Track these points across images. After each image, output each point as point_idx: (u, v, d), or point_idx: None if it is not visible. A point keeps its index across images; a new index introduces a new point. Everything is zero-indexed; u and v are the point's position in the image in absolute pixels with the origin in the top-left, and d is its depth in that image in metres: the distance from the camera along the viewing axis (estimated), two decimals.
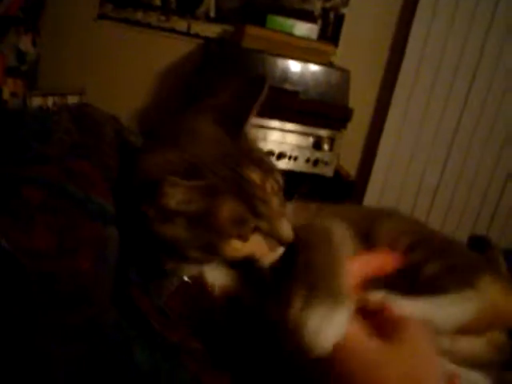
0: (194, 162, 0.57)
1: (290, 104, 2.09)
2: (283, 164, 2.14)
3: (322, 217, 0.74)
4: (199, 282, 0.62)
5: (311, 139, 2.16)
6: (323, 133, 2.16)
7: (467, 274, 0.71)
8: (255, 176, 0.60)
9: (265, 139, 2.09)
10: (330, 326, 0.51)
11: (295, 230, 0.63)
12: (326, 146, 2.17)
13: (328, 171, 2.21)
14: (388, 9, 2.61)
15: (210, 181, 0.57)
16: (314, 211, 0.77)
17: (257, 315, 0.60)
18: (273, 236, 0.61)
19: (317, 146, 2.16)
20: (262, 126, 2.08)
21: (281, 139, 2.13)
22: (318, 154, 2.18)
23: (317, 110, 2.12)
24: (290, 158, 2.15)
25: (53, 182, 0.54)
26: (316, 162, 2.18)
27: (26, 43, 1.70)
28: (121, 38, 2.40)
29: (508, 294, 0.71)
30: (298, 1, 2.49)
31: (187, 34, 2.46)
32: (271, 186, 0.61)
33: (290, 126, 2.13)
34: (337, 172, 2.26)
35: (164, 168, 0.56)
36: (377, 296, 0.59)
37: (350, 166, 2.63)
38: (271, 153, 2.10)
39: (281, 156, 2.13)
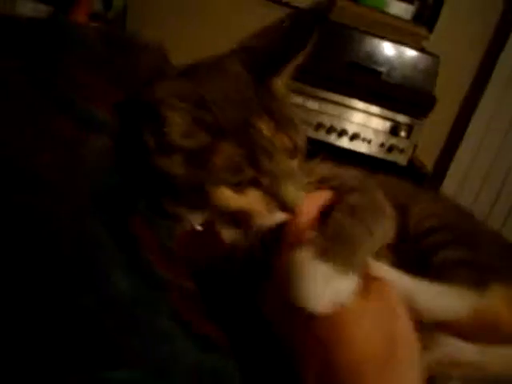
0: (204, 96, 0.55)
1: (370, 84, 2.01)
2: (356, 146, 2.08)
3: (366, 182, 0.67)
4: (211, 230, 0.60)
5: (388, 124, 2.08)
6: (402, 119, 2.07)
7: (481, 273, 0.62)
8: (265, 127, 0.56)
9: (339, 117, 2.03)
10: (335, 289, 0.49)
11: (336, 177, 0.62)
12: (402, 133, 2.08)
13: (402, 159, 2.12)
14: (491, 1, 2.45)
15: (216, 119, 0.54)
16: (353, 176, 0.68)
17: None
18: (274, 196, 0.57)
19: (393, 131, 2.08)
20: (337, 103, 2.02)
21: (356, 119, 2.06)
22: (393, 140, 2.09)
23: (397, 94, 2.03)
24: (363, 140, 2.08)
25: (40, 76, 0.53)
26: (391, 149, 2.10)
27: None
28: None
29: None
30: None
31: (278, 1, 2.42)
32: (282, 141, 0.57)
33: (367, 106, 2.05)
34: (411, 162, 2.17)
35: (170, 92, 0.54)
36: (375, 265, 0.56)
37: (428, 158, 2.52)
38: (344, 132, 2.04)
39: (354, 137, 2.06)
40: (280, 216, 0.58)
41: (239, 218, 0.59)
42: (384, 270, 0.56)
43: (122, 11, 1.87)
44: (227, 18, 2.45)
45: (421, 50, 2.13)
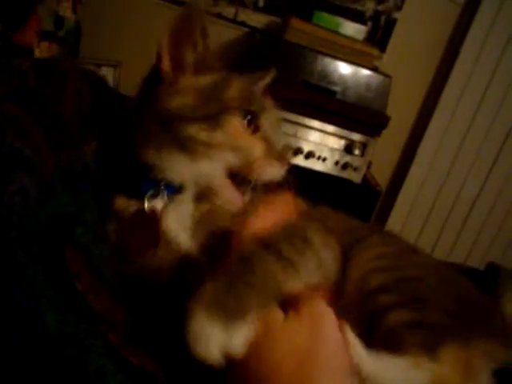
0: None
1: (325, 103, 2.04)
2: (311, 164, 2.09)
3: (306, 217, 0.65)
4: (155, 220, 0.61)
5: (343, 142, 2.10)
6: (356, 137, 2.10)
7: (433, 336, 0.57)
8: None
9: (294, 135, 2.05)
10: (221, 342, 0.46)
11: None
12: (357, 151, 2.11)
13: (356, 177, 2.15)
14: (442, 20, 2.52)
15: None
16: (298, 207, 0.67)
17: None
18: (271, 142, 0.67)
19: (348, 149, 2.10)
20: (293, 122, 2.03)
21: (312, 138, 2.08)
22: (347, 158, 2.11)
23: (352, 113, 2.06)
24: (318, 158, 2.10)
25: None
26: (345, 166, 2.13)
27: (65, 9, 1.70)
28: (166, 17, 2.38)
29: (466, 379, 0.56)
30: (349, 0, 2.43)
31: (233, 21, 2.43)
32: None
33: (322, 125, 2.07)
34: (365, 179, 2.20)
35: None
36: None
37: (382, 176, 2.56)
38: (300, 150, 2.05)
39: (309, 155, 2.07)
40: (277, 169, 0.66)
41: (241, 168, 0.64)
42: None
43: (73, 29, 1.84)
44: None
45: (373, 69, 2.17)
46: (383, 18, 2.47)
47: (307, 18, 2.16)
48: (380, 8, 2.46)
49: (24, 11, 1.55)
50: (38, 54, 1.53)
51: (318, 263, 0.54)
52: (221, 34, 2.44)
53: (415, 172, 2.64)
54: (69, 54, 1.82)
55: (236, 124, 0.64)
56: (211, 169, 0.64)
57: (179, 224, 0.63)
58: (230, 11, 2.42)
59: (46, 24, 1.60)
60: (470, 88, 2.51)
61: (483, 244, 2.75)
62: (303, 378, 0.47)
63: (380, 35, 2.49)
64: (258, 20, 2.43)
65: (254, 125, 0.66)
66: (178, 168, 0.63)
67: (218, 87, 0.65)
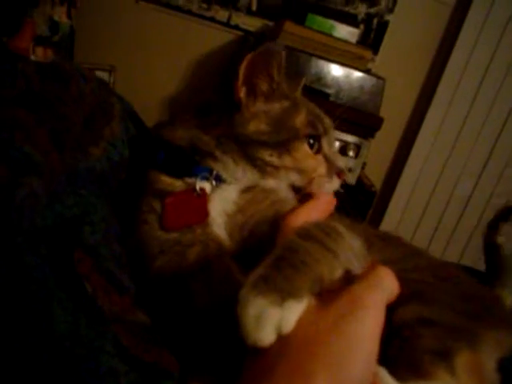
0: None
1: (318, 105, 2.04)
2: None
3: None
4: (204, 198, 0.67)
5: (337, 144, 2.12)
6: (350, 139, 2.11)
7: (447, 338, 0.59)
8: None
9: None
10: (272, 320, 0.45)
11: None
12: (351, 153, 2.12)
13: (351, 178, 2.16)
14: (434, 21, 2.55)
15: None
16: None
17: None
18: (331, 161, 0.73)
19: (342, 151, 2.12)
20: None
21: None
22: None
23: (346, 115, 2.06)
24: None
25: None
26: None
27: (60, 14, 1.70)
28: (160, 21, 2.40)
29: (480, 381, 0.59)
30: (341, 3, 2.45)
31: (227, 24, 2.45)
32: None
33: None
34: (359, 180, 2.22)
35: None
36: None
37: (376, 176, 2.58)
38: None
39: None
40: (336, 182, 0.73)
41: (304, 181, 0.71)
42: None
43: (68, 34, 1.84)
44: (176, 41, 2.45)
45: (366, 71, 2.19)
46: (375, 21, 2.50)
47: (300, 21, 2.18)
48: (372, 11, 2.48)
49: (19, 16, 1.55)
50: (33, 58, 1.53)
51: (352, 250, 0.55)
52: (214, 38, 2.45)
53: (409, 172, 2.66)
54: (65, 59, 1.82)
55: (303, 149, 0.71)
56: (275, 184, 0.70)
57: (222, 207, 0.68)
58: (223, 15, 2.43)
59: (40, 29, 1.60)
60: (463, 88, 2.53)
61: (477, 243, 2.77)
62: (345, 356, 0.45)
63: (372, 37, 2.51)
64: (251, 24, 2.45)
65: (316, 146, 0.73)
66: (238, 173, 0.70)
67: (288, 114, 0.72)
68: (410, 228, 2.74)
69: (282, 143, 0.70)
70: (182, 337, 0.59)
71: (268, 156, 0.69)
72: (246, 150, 0.69)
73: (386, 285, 0.51)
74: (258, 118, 0.70)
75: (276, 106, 0.71)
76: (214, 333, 0.57)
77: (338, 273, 0.51)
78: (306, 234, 0.54)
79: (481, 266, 2.81)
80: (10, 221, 0.47)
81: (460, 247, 2.79)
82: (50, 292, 0.48)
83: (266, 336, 0.44)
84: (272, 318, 0.45)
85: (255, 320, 0.45)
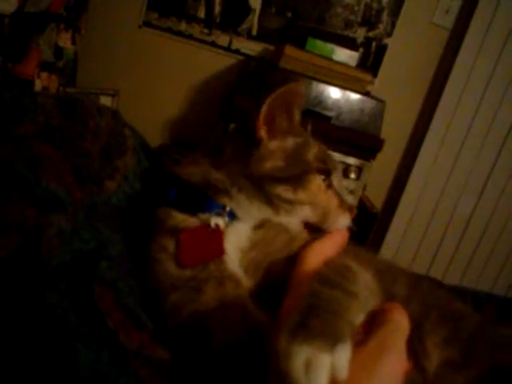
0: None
1: (320, 128, 2.05)
2: None
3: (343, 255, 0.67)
4: (220, 234, 0.67)
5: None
6: (351, 161, 2.12)
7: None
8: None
9: None
10: (326, 366, 0.43)
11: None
12: (352, 175, 2.13)
13: (352, 200, 2.17)
14: (432, 44, 2.58)
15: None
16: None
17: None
18: (341, 196, 0.74)
19: (344, 173, 2.13)
20: None
21: None
22: (343, 182, 2.13)
23: (347, 138, 2.09)
24: None
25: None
26: None
27: (65, 40, 1.73)
28: (162, 47, 2.44)
29: None
30: (341, 27, 2.48)
31: (228, 49, 2.48)
32: None
33: None
34: (361, 202, 2.23)
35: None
36: None
37: (377, 198, 2.59)
38: None
39: None
40: (347, 217, 0.73)
41: (317, 216, 0.72)
42: None
43: (72, 60, 1.87)
44: (178, 65, 2.48)
45: (366, 94, 2.22)
46: (374, 44, 2.53)
47: (301, 45, 2.21)
48: (371, 34, 2.52)
49: (25, 43, 1.57)
50: (38, 84, 1.55)
51: (369, 290, 0.55)
52: (216, 62, 2.48)
53: (410, 193, 2.67)
54: (68, 84, 1.84)
55: (316, 183, 0.72)
56: (290, 221, 0.70)
57: (236, 243, 0.67)
58: (224, 39, 2.47)
59: (46, 55, 1.63)
60: (461, 109, 2.56)
61: (478, 264, 2.77)
62: None
63: (371, 61, 2.55)
64: (252, 48, 2.48)
65: (327, 182, 0.73)
66: (252, 211, 0.70)
67: (301, 149, 0.73)
68: (412, 249, 2.74)
69: (297, 177, 0.70)
70: (200, 374, 0.58)
71: (283, 191, 0.69)
72: (261, 186, 0.69)
73: (403, 326, 0.53)
74: (274, 155, 0.70)
75: (290, 142, 0.72)
76: (232, 372, 0.57)
77: (362, 317, 0.51)
78: (326, 280, 0.53)
79: (482, 285, 2.79)
80: (41, 261, 0.48)
81: (462, 267, 2.79)
82: (74, 330, 0.48)
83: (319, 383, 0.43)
84: (324, 364, 0.43)
85: (304, 368, 0.43)
